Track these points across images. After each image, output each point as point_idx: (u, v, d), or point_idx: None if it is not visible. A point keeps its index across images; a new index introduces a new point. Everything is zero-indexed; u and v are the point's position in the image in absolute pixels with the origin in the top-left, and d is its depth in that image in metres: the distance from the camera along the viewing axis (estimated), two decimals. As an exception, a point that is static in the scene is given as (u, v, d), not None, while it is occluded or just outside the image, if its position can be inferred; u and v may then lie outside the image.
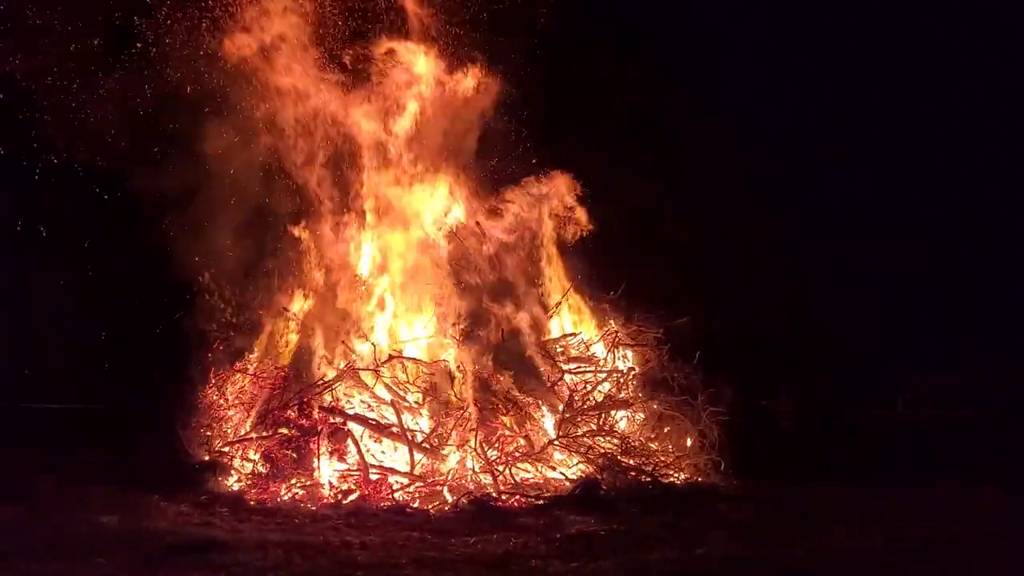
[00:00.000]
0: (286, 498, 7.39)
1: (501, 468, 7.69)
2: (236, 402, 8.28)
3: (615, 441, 8.05)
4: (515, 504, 7.23)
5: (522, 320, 8.77)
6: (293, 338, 8.63)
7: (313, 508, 7.03)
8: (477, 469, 7.68)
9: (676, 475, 8.11)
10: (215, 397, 8.32)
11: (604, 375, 8.71)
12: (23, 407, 11.21)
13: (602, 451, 7.88)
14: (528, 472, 7.86)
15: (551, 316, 9.17)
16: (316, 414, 7.76)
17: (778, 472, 8.18)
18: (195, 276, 8.87)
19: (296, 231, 9.00)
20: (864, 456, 9.80)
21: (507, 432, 7.96)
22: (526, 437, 7.95)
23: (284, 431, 7.72)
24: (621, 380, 8.68)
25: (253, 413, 8.10)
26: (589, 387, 8.55)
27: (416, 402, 8.10)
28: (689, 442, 8.34)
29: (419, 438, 7.79)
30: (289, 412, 7.82)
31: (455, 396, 8.02)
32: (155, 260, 9.66)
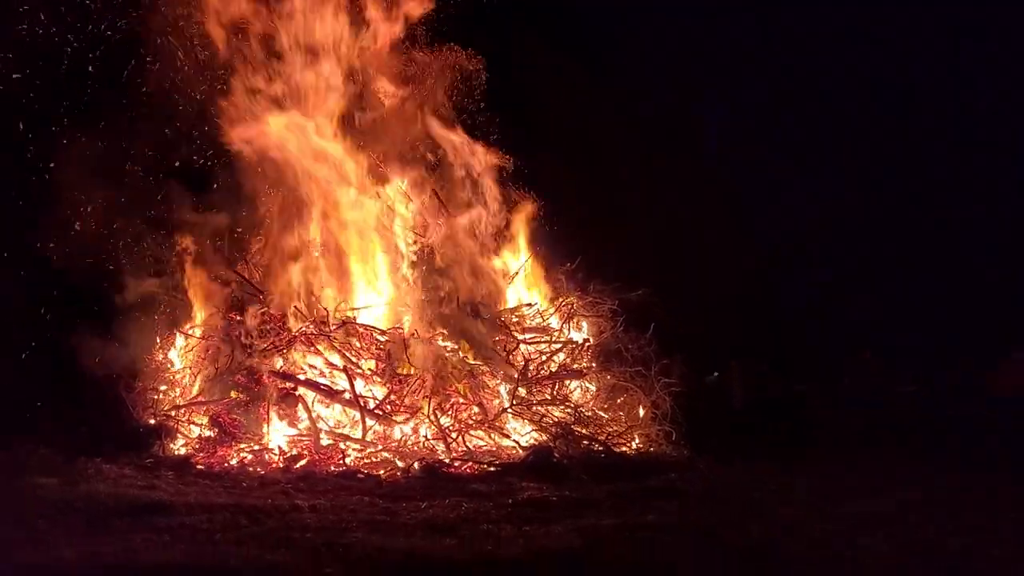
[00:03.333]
0: (234, 463, 7.26)
1: (455, 435, 7.66)
2: (184, 365, 8.09)
3: (568, 410, 8.07)
4: (468, 471, 7.19)
5: (479, 289, 8.72)
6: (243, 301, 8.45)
7: (262, 472, 6.90)
8: (430, 436, 7.64)
9: (628, 444, 8.17)
10: (162, 359, 8.13)
11: (559, 346, 8.71)
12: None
13: (555, 420, 7.89)
14: (481, 440, 7.84)
15: (508, 285, 9.13)
16: (266, 378, 7.62)
17: (728, 443, 8.26)
18: (143, 239, 8.62)
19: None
20: (810, 432, 9.98)
21: (461, 399, 7.92)
22: (480, 404, 7.92)
23: (234, 395, 7.57)
24: (576, 351, 8.70)
25: (201, 376, 7.93)
26: (544, 357, 8.55)
27: (370, 369, 8.00)
28: (642, 413, 8.39)
29: (371, 404, 7.71)
30: (238, 376, 7.67)
31: (409, 363, 7.94)
32: (102, 223, 9.36)
